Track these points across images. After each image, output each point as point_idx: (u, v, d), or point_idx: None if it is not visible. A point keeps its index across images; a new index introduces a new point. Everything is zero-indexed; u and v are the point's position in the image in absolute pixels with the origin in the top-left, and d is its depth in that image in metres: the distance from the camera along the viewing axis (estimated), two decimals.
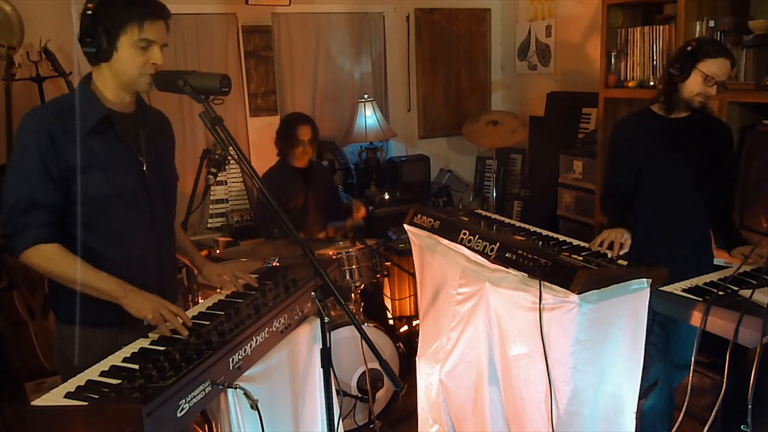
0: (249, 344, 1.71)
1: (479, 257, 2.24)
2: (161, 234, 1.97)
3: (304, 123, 3.56)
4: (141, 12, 1.74)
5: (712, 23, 2.98)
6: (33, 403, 1.41)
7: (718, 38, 2.96)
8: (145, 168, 1.88)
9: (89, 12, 1.74)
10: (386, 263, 3.59)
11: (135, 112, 1.91)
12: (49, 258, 1.74)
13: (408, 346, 3.36)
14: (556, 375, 1.94)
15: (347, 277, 3.20)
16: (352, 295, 3.31)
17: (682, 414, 1.88)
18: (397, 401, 3.25)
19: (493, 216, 2.72)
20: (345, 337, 3.01)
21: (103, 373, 1.53)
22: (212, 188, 4.09)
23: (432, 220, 2.55)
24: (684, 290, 2.04)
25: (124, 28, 1.73)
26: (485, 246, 2.22)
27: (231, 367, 1.63)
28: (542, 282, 1.93)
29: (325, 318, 1.64)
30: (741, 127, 2.93)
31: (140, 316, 1.72)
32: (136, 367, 1.52)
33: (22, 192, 1.73)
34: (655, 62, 3.32)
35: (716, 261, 2.54)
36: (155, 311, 1.70)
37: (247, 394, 1.62)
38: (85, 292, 1.76)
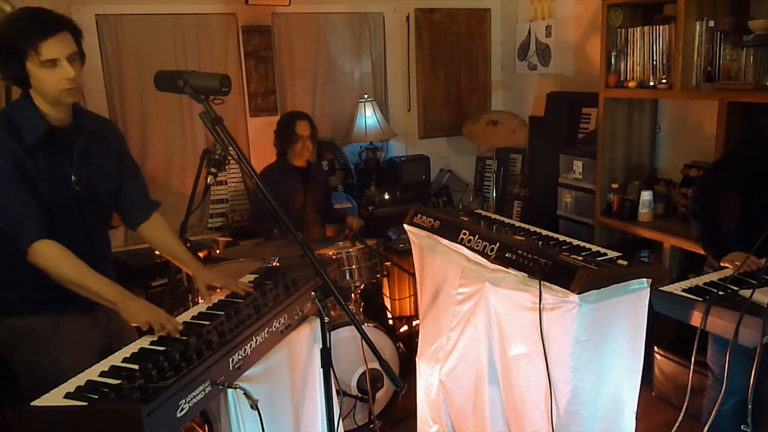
0: (249, 344, 1.71)
1: (479, 257, 2.24)
2: (95, 244, 2.01)
3: (301, 118, 3.57)
4: (33, 36, 1.72)
5: (712, 23, 2.98)
6: (33, 403, 1.42)
7: (718, 38, 2.96)
8: (73, 181, 1.90)
9: None
10: (386, 263, 3.59)
11: (72, 125, 1.92)
12: (55, 259, 1.79)
13: (408, 346, 3.36)
14: (556, 375, 1.94)
15: (347, 277, 3.20)
16: (352, 295, 3.30)
17: (681, 414, 1.88)
18: (397, 401, 3.25)
19: (493, 216, 2.72)
20: (345, 337, 3.01)
21: (102, 374, 1.53)
22: (212, 188, 4.09)
23: (432, 220, 2.55)
24: (684, 290, 2.04)
25: (24, 55, 1.73)
26: (485, 246, 2.22)
27: (231, 367, 1.63)
28: (542, 282, 1.93)
29: (325, 318, 1.64)
30: (741, 126, 2.93)
31: (135, 323, 1.75)
32: (136, 367, 1.52)
33: (10, 200, 1.77)
34: (655, 62, 3.32)
35: None
36: (152, 323, 1.73)
37: (247, 394, 1.62)
38: (85, 295, 1.80)
